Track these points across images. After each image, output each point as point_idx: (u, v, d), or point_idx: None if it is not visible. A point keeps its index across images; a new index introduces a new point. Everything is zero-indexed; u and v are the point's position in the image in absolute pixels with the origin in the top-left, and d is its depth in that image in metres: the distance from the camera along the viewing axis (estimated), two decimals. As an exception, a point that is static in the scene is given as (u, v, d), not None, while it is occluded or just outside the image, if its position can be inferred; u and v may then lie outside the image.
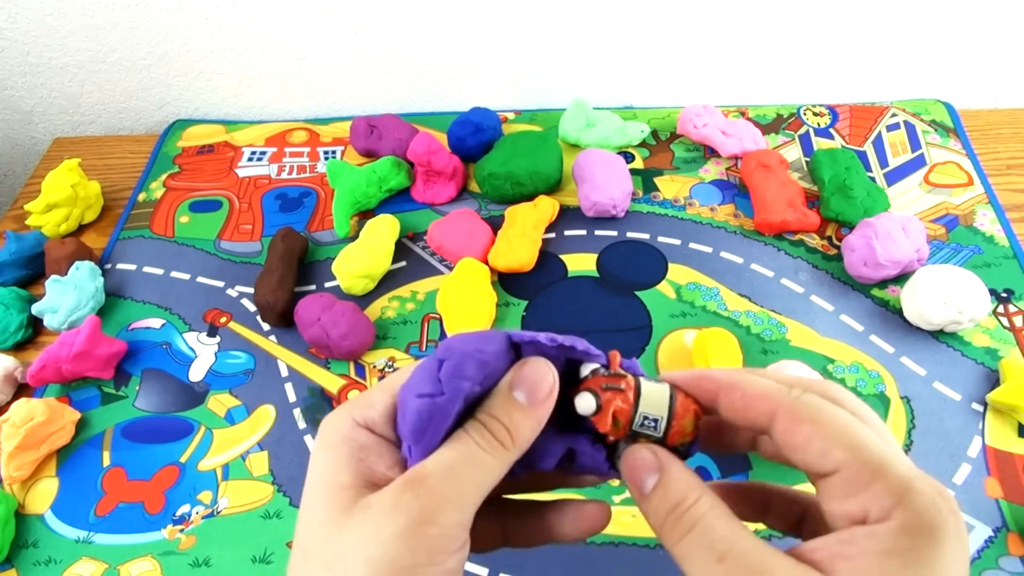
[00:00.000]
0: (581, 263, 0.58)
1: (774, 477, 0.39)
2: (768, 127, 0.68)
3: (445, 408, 0.22)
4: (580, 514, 0.25)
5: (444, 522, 0.20)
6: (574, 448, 0.24)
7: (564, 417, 0.24)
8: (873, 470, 0.20)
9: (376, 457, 0.22)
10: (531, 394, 0.22)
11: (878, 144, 0.66)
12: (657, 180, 0.64)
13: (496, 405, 0.22)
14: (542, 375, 0.22)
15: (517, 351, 0.23)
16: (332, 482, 0.22)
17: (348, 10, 0.65)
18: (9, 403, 0.52)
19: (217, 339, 0.56)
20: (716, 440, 0.26)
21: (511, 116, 0.71)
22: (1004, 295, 0.54)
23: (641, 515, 0.47)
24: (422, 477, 0.21)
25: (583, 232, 0.60)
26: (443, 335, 0.54)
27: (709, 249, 0.58)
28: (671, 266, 0.57)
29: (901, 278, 0.54)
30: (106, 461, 0.49)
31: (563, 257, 0.59)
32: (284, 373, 0.53)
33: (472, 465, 0.21)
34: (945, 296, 0.49)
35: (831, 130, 0.67)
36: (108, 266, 0.61)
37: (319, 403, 0.51)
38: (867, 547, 0.19)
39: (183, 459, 0.49)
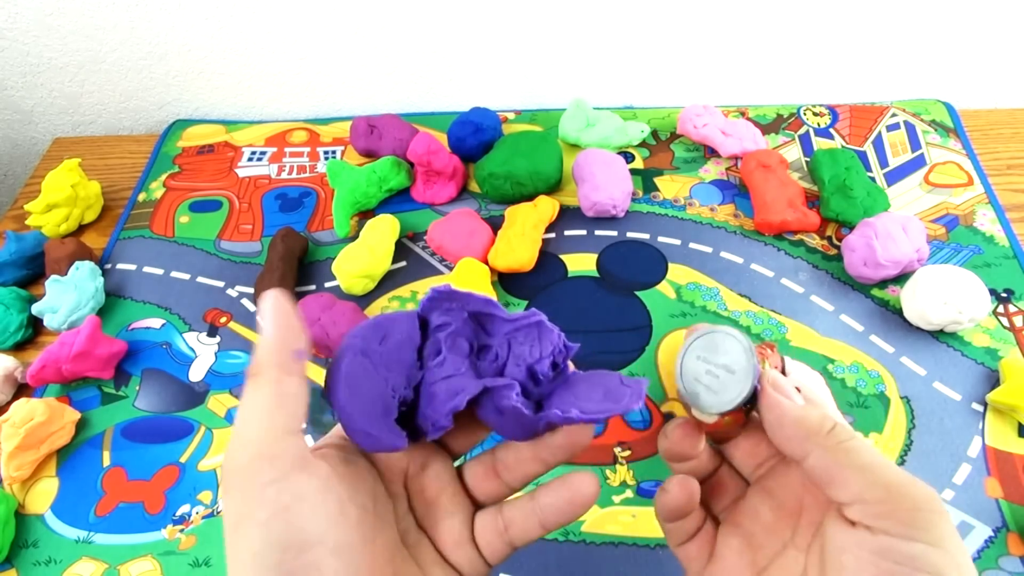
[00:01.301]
0: (581, 263, 0.58)
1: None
2: (768, 127, 0.68)
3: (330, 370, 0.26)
4: (564, 483, 0.27)
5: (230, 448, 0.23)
6: (491, 388, 0.26)
7: (494, 371, 0.28)
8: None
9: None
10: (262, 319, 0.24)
11: (878, 144, 0.66)
12: (657, 180, 0.64)
13: None
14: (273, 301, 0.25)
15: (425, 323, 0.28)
16: None
17: (348, 10, 0.65)
18: (9, 403, 0.52)
19: (217, 339, 0.56)
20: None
21: (511, 116, 0.71)
22: (1004, 295, 0.54)
23: (640, 516, 0.46)
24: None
25: (583, 232, 0.60)
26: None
27: (709, 249, 0.58)
28: (671, 266, 0.57)
29: (901, 278, 0.54)
30: (106, 461, 0.49)
31: (563, 257, 0.59)
32: (284, 373, 0.53)
33: (251, 395, 0.24)
34: (945, 296, 0.49)
35: (831, 130, 0.67)
36: (108, 266, 0.61)
37: (319, 403, 0.51)
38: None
39: (183, 459, 0.49)
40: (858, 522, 0.23)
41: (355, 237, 0.59)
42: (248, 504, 0.22)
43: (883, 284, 0.55)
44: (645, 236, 0.59)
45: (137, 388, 0.53)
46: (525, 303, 0.56)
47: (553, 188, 0.62)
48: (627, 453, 0.47)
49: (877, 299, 0.54)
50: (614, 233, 0.60)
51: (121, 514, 0.47)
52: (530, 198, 0.61)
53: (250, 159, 0.70)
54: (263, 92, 0.73)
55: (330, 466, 0.24)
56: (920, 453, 0.46)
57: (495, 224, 0.60)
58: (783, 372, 0.26)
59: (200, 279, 0.60)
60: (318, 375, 0.53)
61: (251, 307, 0.57)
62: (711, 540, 0.28)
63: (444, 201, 0.63)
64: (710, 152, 0.66)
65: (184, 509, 0.47)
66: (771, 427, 0.25)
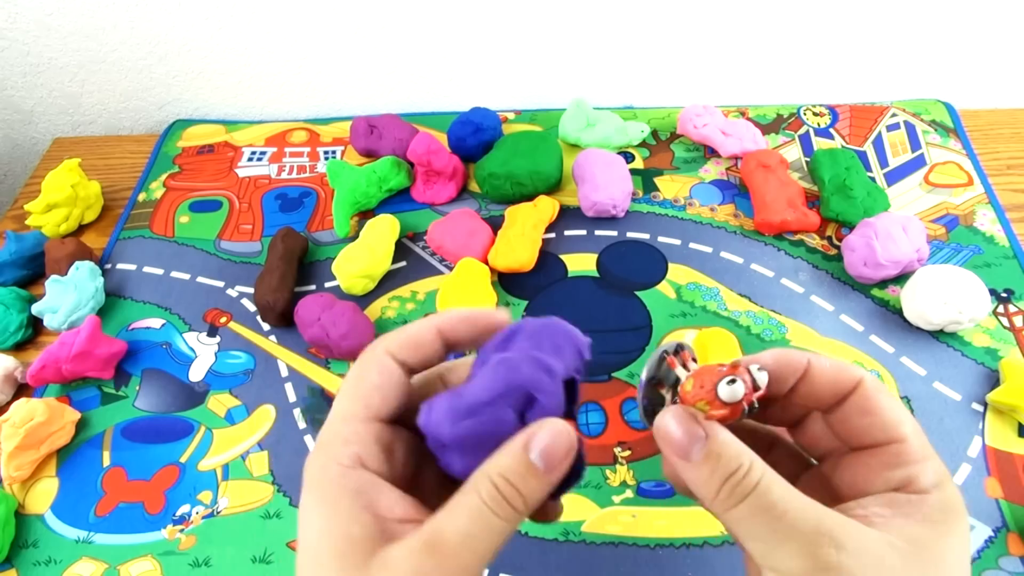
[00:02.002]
0: (581, 263, 0.58)
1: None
2: (768, 127, 0.68)
3: (493, 431, 0.23)
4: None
5: None
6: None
7: None
8: (927, 452, 0.23)
9: (378, 496, 0.22)
10: (549, 460, 0.22)
11: (878, 144, 0.66)
12: (657, 180, 0.64)
13: (512, 468, 0.22)
14: (562, 441, 0.22)
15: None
16: (342, 535, 0.21)
17: (348, 10, 0.65)
18: (9, 403, 0.52)
19: (217, 339, 0.56)
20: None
21: (511, 116, 0.71)
22: (1004, 295, 0.54)
23: (640, 516, 0.46)
24: (440, 543, 0.21)
25: (583, 232, 0.60)
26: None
27: (709, 249, 0.58)
28: (671, 266, 0.57)
29: (901, 278, 0.54)
30: (106, 461, 0.49)
31: (563, 257, 0.59)
32: (284, 373, 0.53)
33: (487, 531, 0.21)
34: (945, 296, 0.49)
35: (831, 130, 0.67)
36: (108, 266, 0.61)
37: (319, 403, 0.51)
38: (904, 510, 0.22)
39: (183, 459, 0.49)
40: None
41: (355, 237, 0.59)
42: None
43: (883, 284, 0.55)
44: (645, 236, 0.59)
45: (137, 388, 0.53)
46: (525, 303, 0.56)
47: (553, 188, 0.62)
48: (627, 453, 0.47)
49: (877, 299, 0.54)
50: (614, 233, 0.60)
51: (121, 514, 0.47)
52: (530, 198, 0.61)
53: (250, 159, 0.70)
54: (263, 92, 0.73)
55: None
56: (920, 453, 0.46)
57: (495, 224, 0.60)
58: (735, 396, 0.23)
59: (200, 279, 0.60)
60: (319, 375, 0.53)
61: (251, 307, 0.57)
62: None
63: (444, 201, 0.63)
64: (710, 152, 0.66)
65: (184, 509, 0.47)
66: None
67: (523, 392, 0.23)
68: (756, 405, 0.23)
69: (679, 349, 0.25)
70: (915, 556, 0.21)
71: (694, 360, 0.25)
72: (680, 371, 0.24)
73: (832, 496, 0.25)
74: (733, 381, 0.22)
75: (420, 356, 0.25)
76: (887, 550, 0.21)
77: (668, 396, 0.25)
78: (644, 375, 0.25)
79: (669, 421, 0.23)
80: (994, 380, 0.49)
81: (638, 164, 0.65)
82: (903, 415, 0.24)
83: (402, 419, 0.26)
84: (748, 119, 0.68)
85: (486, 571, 0.43)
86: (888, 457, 0.23)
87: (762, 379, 0.23)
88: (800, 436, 0.28)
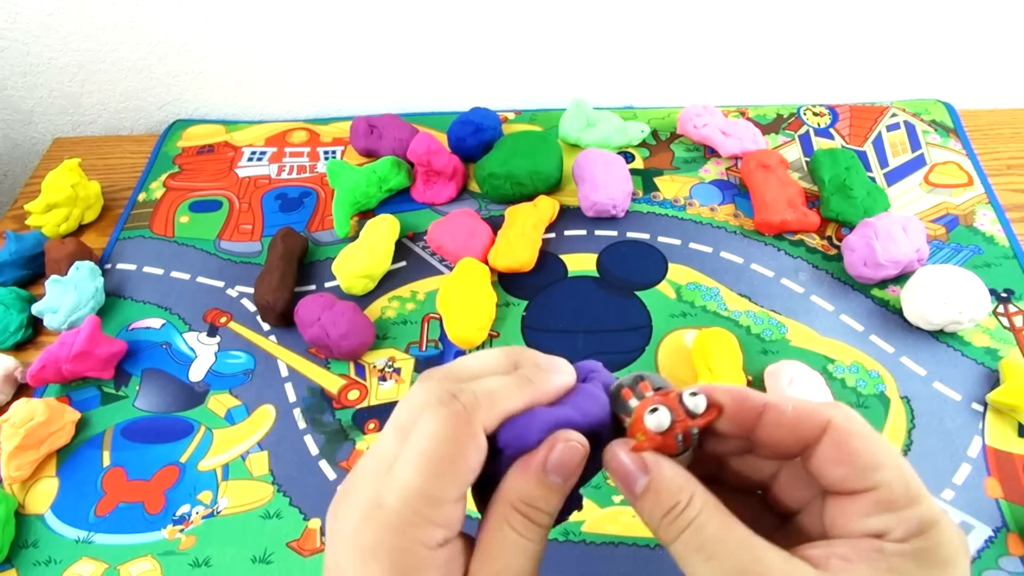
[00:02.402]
0: (581, 263, 0.58)
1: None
2: (768, 127, 0.68)
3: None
4: None
5: None
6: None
7: None
8: (912, 496, 0.21)
9: (461, 564, 0.23)
10: (565, 472, 0.23)
11: (878, 144, 0.66)
12: (657, 180, 0.64)
13: (532, 493, 0.23)
14: (573, 455, 0.23)
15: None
16: None
17: (348, 10, 0.65)
18: (9, 403, 0.52)
19: (217, 339, 0.56)
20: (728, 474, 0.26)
21: (511, 116, 0.71)
22: (1004, 295, 0.54)
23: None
24: None
25: (583, 232, 0.60)
26: (443, 335, 0.54)
27: (709, 249, 0.58)
28: (671, 266, 0.57)
29: (901, 278, 0.54)
30: (106, 461, 0.49)
31: (563, 257, 0.59)
32: (284, 373, 0.53)
33: (530, 558, 0.23)
34: (945, 296, 0.49)
35: (831, 130, 0.67)
36: (108, 266, 0.61)
37: (319, 403, 0.51)
38: (870, 558, 0.20)
39: (183, 459, 0.49)
40: None
41: (355, 237, 0.59)
42: None
43: (883, 284, 0.55)
44: (645, 236, 0.59)
45: (137, 388, 0.53)
46: (525, 303, 0.56)
47: (553, 188, 0.62)
48: (627, 453, 0.47)
49: (877, 299, 0.54)
50: (614, 233, 0.60)
51: (121, 514, 0.47)
52: (530, 198, 0.61)
53: (250, 159, 0.70)
54: (263, 92, 0.73)
55: None
56: (920, 453, 0.46)
57: (495, 224, 0.60)
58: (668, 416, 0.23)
59: (200, 279, 0.60)
60: (319, 375, 0.53)
61: (251, 307, 0.57)
62: None
63: (444, 201, 0.63)
64: (710, 152, 0.66)
65: (184, 509, 0.47)
66: None
67: (598, 428, 0.24)
68: (695, 432, 0.22)
69: (638, 380, 0.25)
70: None
71: (655, 390, 0.24)
72: (633, 402, 0.24)
73: (820, 531, 0.24)
74: (655, 410, 0.22)
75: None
76: None
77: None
78: None
79: (616, 453, 0.23)
80: (994, 380, 0.49)
81: (638, 164, 0.65)
82: (881, 457, 0.21)
83: None
84: (748, 119, 0.68)
85: None
86: (865, 505, 0.21)
87: (697, 404, 0.22)
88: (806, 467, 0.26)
